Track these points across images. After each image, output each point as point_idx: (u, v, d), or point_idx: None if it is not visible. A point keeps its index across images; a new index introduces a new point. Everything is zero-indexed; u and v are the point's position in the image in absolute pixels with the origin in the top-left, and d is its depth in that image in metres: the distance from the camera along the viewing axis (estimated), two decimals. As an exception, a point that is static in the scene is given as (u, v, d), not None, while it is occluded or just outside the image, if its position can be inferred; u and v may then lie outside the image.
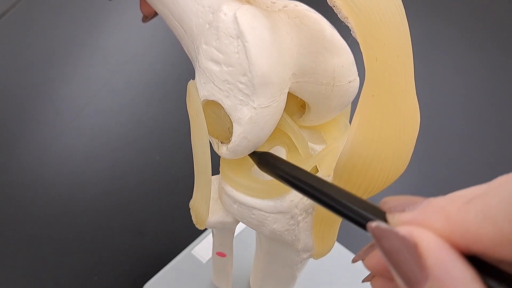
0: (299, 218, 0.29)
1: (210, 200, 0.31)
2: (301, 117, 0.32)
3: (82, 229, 0.58)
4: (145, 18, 0.33)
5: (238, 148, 0.27)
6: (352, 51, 0.29)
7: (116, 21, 0.88)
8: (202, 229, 0.34)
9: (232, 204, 0.30)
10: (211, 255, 0.50)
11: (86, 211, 0.60)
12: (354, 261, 0.22)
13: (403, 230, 0.17)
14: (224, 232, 0.35)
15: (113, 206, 0.60)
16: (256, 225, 0.30)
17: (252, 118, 0.26)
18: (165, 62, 0.81)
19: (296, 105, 0.31)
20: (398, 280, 0.17)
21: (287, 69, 0.26)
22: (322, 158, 0.30)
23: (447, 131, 0.71)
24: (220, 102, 0.26)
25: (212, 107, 0.27)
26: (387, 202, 0.19)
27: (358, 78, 0.30)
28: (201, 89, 0.27)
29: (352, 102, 0.31)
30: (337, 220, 0.31)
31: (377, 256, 0.19)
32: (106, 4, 0.90)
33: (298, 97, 0.30)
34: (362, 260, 0.20)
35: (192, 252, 0.52)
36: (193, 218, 0.33)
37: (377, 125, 0.23)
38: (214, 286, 0.48)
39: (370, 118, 0.23)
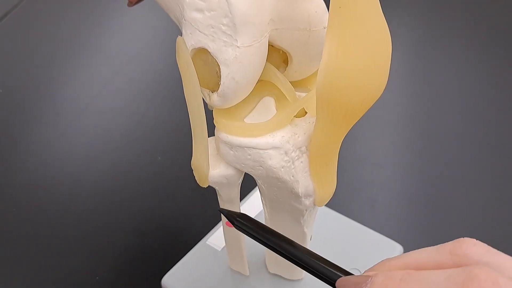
0: (292, 154, 0.32)
1: (208, 152, 0.33)
2: (285, 71, 0.34)
3: (84, 229, 0.59)
4: (130, 3, 0.35)
5: (227, 91, 0.30)
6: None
7: (117, 22, 0.91)
8: (206, 186, 0.36)
9: (229, 151, 0.32)
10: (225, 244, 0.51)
11: (87, 211, 0.60)
12: None
13: None
14: (229, 188, 0.37)
15: (114, 206, 0.61)
16: (253, 167, 0.32)
17: (237, 58, 0.28)
18: (166, 62, 0.83)
19: (279, 59, 0.34)
20: None
21: (265, 14, 0.29)
22: (308, 100, 0.32)
23: (447, 131, 0.71)
24: (206, 47, 0.29)
25: (200, 55, 0.30)
26: (343, 282, 0.25)
27: None
28: (188, 40, 0.30)
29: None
30: (332, 158, 0.33)
31: None
32: (108, 5, 0.93)
33: (280, 50, 0.33)
34: None
35: (207, 242, 0.53)
36: (196, 178, 0.35)
37: (347, 36, 0.25)
38: (232, 271, 0.49)
39: (341, 30, 0.25)
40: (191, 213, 0.59)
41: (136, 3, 0.36)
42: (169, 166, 0.66)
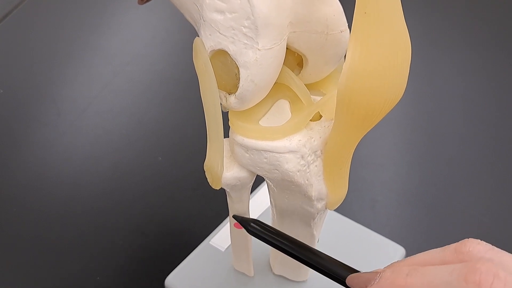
0: (308, 158, 0.32)
1: (223, 153, 0.33)
2: (299, 73, 0.34)
3: (85, 229, 0.59)
4: (141, 1, 0.35)
5: (246, 93, 0.30)
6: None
7: (117, 22, 0.91)
8: (218, 188, 0.36)
9: (244, 154, 0.32)
10: (229, 244, 0.51)
11: (88, 212, 0.60)
12: None
13: None
14: (241, 191, 0.37)
15: (116, 207, 0.61)
16: (269, 170, 0.32)
17: (258, 60, 0.28)
18: (167, 63, 0.83)
19: (294, 62, 0.34)
20: None
21: (285, 16, 0.29)
22: (324, 104, 0.32)
23: (447, 131, 0.72)
24: (226, 49, 0.29)
25: (218, 56, 0.30)
26: (353, 279, 0.27)
27: (348, 30, 0.33)
28: (207, 41, 0.30)
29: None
30: (346, 162, 0.33)
31: None
32: (108, 6, 0.93)
33: (295, 53, 0.33)
34: None
35: (211, 243, 0.53)
36: (208, 180, 0.35)
37: (371, 40, 0.25)
38: (236, 271, 0.50)
39: (365, 34, 0.25)
40: (192, 213, 0.60)
41: (147, 1, 0.36)
42: (170, 166, 0.66)
